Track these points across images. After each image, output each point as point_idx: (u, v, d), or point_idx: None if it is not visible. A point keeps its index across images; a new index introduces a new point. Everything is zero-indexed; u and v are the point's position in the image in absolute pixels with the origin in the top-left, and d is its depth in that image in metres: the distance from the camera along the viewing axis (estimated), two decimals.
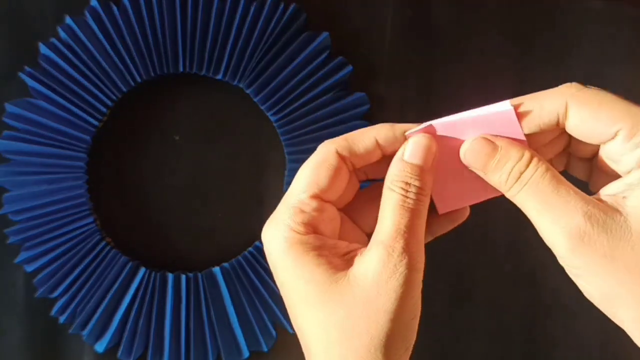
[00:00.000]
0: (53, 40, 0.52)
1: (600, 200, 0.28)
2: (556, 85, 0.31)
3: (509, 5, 0.56)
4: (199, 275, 0.54)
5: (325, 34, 0.54)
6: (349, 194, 0.32)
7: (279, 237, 0.30)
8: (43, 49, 0.52)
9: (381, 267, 0.28)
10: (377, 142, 0.31)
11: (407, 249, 0.28)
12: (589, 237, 0.27)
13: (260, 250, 0.54)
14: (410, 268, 0.28)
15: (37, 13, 0.54)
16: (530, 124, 0.30)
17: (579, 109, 0.28)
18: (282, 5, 0.53)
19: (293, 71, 0.53)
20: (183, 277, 0.53)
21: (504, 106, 0.30)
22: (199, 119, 0.55)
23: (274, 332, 0.54)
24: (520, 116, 0.30)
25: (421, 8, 0.56)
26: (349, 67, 0.54)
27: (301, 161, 0.53)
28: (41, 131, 0.52)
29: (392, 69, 0.56)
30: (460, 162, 0.31)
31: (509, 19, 0.56)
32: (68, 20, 0.52)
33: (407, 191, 0.29)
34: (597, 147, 0.30)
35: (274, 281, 0.53)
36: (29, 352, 0.54)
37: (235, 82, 0.53)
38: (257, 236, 0.55)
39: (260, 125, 0.55)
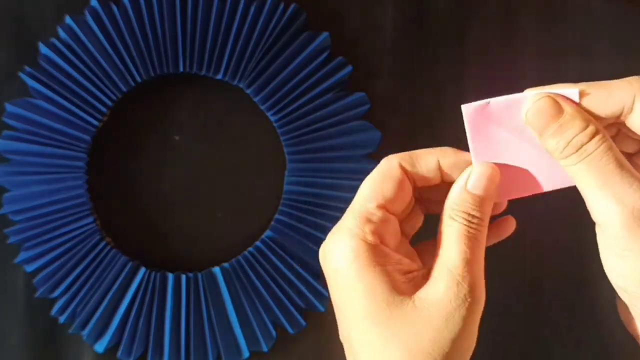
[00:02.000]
0: (53, 40, 0.52)
1: None
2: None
3: (509, 6, 0.56)
4: (199, 275, 0.54)
5: (325, 34, 0.54)
6: (407, 210, 0.33)
7: (345, 245, 0.29)
8: (43, 49, 0.52)
9: (451, 295, 0.28)
10: (439, 164, 0.31)
11: (473, 279, 0.28)
12: None
13: (260, 251, 0.54)
14: (476, 299, 0.28)
15: (37, 13, 0.54)
16: (594, 111, 0.29)
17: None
18: (282, 5, 0.53)
19: (293, 71, 0.53)
20: (183, 277, 0.53)
21: (571, 92, 0.29)
22: (199, 119, 0.55)
23: (274, 332, 0.54)
24: (585, 101, 0.29)
25: (421, 8, 0.56)
26: (349, 67, 0.54)
27: (301, 161, 0.54)
28: (41, 131, 0.52)
29: (392, 69, 0.56)
30: (519, 146, 0.30)
31: (509, 19, 0.56)
32: (68, 20, 0.52)
33: (470, 222, 0.29)
34: None
35: (274, 281, 0.54)
36: (29, 352, 0.54)
37: (235, 82, 0.54)
38: (257, 236, 0.55)
39: (260, 125, 0.55)
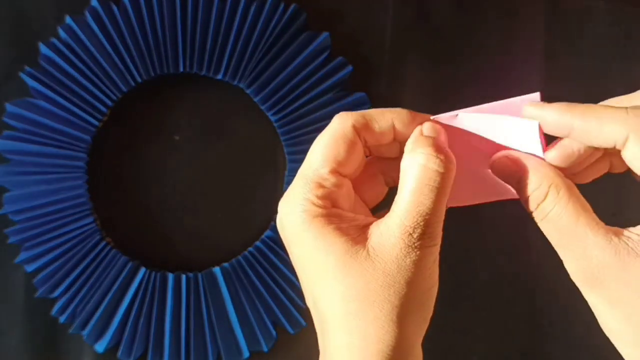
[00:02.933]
0: (53, 40, 0.52)
1: (626, 237, 0.27)
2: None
3: (509, 5, 0.56)
4: (199, 275, 0.54)
5: (325, 34, 0.54)
6: (359, 169, 0.32)
7: (298, 211, 0.29)
8: (43, 49, 0.52)
9: (400, 242, 0.28)
10: (393, 124, 0.31)
11: (427, 227, 0.28)
12: (602, 283, 0.27)
13: (260, 251, 0.54)
14: (428, 245, 0.28)
15: (37, 13, 0.53)
16: (585, 142, 0.29)
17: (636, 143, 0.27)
18: (282, 6, 0.53)
19: (293, 71, 0.53)
20: (183, 277, 0.53)
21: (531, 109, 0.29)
22: (199, 119, 0.55)
23: (274, 332, 0.54)
24: (573, 134, 0.28)
25: (421, 8, 0.56)
26: (349, 67, 0.54)
27: (301, 161, 0.53)
28: (41, 131, 0.52)
29: (392, 69, 0.56)
30: (477, 157, 0.31)
31: (509, 19, 0.56)
32: (68, 20, 0.52)
33: (436, 163, 0.28)
34: None
35: (274, 281, 0.54)
36: (29, 352, 0.54)
37: (235, 82, 0.53)
38: (257, 236, 0.55)
39: (260, 125, 0.55)
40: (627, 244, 0.27)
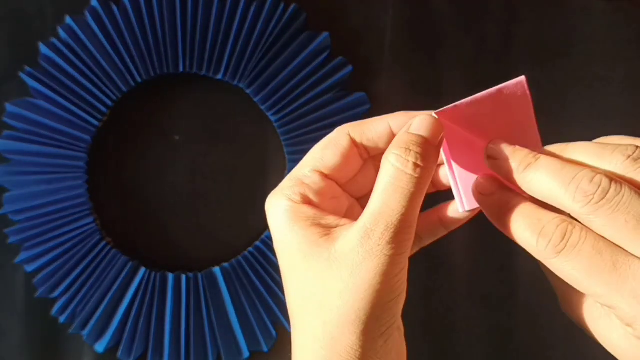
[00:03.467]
0: (53, 40, 0.52)
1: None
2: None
3: (509, 5, 0.56)
4: (199, 275, 0.54)
5: (325, 34, 0.54)
6: (353, 172, 0.32)
7: (278, 205, 0.30)
8: (43, 49, 0.52)
9: (358, 247, 0.27)
10: (390, 129, 0.31)
11: (388, 233, 0.27)
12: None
13: (260, 251, 0.54)
14: (389, 252, 0.27)
15: (37, 13, 0.54)
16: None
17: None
18: (282, 6, 0.53)
19: (293, 71, 0.53)
20: (183, 277, 0.53)
21: (519, 81, 0.30)
22: (199, 119, 0.55)
23: (274, 332, 0.54)
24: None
25: (421, 8, 0.56)
26: (349, 67, 0.54)
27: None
28: (41, 131, 0.52)
29: (392, 69, 0.56)
30: (477, 152, 0.30)
31: (509, 19, 0.56)
32: (68, 20, 0.52)
33: (405, 166, 0.27)
34: None
35: (274, 281, 0.54)
36: (29, 352, 0.54)
37: (235, 82, 0.53)
38: (257, 236, 0.55)
39: (260, 125, 0.55)
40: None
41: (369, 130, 0.31)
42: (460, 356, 0.57)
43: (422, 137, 0.28)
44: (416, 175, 0.27)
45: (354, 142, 0.31)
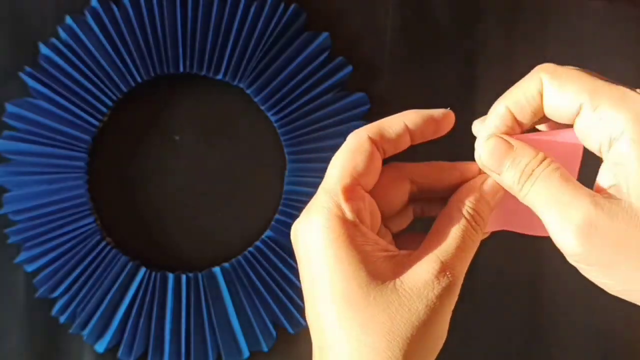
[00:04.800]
0: (53, 40, 0.52)
1: (600, 189, 0.28)
2: None
3: (509, 5, 0.56)
4: (199, 275, 0.54)
5: (325, 34, 0.54)
6: (375, 179, 0.32)
7: (322, 226, 0.28)
8: (43, 49, 0.52)
9: (435, 283, 0.28)
10: (406, 127, 0.31)
11: (460, 274, 0.29)
12: (600, 227, 0.27)
13: (260, 251, 0.54)
14: (456, 292, 0.29)
15: (37, 13, 0.54)
16: (525, 114, 0.30)
17: (550, 86, 0.29)
18: (282, 6, 0.53)
19: (293, 71, 0.53)
20: (183, 277, 0.53)
21: (574, 140, 0.30)
22: (199, 119, 0.55)
23: (274, 332, 0.54)
24: (513, 111, 0.30)
25: (421, 8, 0.56)
26: (349, 68, 0.54)
27: (301, 161, 0.54)
28: (41, 131, 0.52)
29: (392, 69, 0.56)
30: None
31: (509, 19, 0.56)
32: (68, 20, 0.52)
33: (475, 221, 0.30)
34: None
35: (274, 281, 0.54)
36: (29, 352, 0.54)
37: (235, 82, 0.53)
38: (257, 236, 0.55)
39: (260, 125, 0.55)
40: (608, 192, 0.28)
41: (387, 131, 0.31)
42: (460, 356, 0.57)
43: (489, 202, 0.31)
44: (478, 230, 0.30)
45: (375, 144, 0.30)
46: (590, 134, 0.29)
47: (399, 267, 0.29)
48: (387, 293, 0.28)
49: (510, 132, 0.31)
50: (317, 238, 0.28)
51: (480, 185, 0.31)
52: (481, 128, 0.31)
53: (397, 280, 0.28)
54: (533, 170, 0.29)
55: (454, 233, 0.29)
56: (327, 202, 0.29)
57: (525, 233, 0.32)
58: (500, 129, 0.31)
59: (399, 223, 0.34)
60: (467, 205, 0.30)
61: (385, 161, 0.32)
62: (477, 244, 0.30)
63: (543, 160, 0.29)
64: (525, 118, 0.30)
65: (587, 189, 0.28)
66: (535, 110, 0.30)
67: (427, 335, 0.28)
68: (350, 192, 0.29)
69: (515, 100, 0.30)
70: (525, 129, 0.31)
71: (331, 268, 0.28)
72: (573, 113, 0.29)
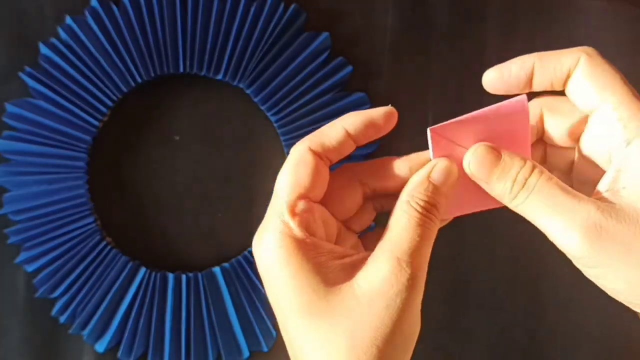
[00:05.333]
0: (53, 40, 0.52)
1: (602, 197, 0.28)
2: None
3: (509, 5, 0.56)
4: (199, 275, 0.54)
5: (325, 34, 0.54)
6: (323, 189, 0.32)
7: (273, 245, 0.29)
8: (43, 49, 0.52)
9: (393, 280, 0.28)
10: (346, 132, 0.31)
11: (419, 266, 0.28)
12: (606, 230, 0.27)
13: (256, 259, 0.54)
14: (417, 285, 0.28)
15: (37, 13, 0.54)
16: (545, 77, 0.30)
17: (584, 67, 0.30)
18: (282, 6, 0.53)
19: (293, 71, 0.53)
20: (183, 277, 0.53)
21: (519, 99, 0.30)
22: (199, 119, 0.55)
23: (274, 332, 0.54)
24: (537, 71, 0.30)
25: (421, 8, 0.56)
26: (349, 68, 0.54)
27: None
28: (41, 131, 0.52)
29: (392, 69, 0.56)
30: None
31: (509, 19, 0.56)
32: (68, 20, 0.52)
33: (427, 211, 0.29)
34: (577, 138, 0.31)
35: None
36: (29, 352, 0.54)
37: (235, 82, 0.54)
38: None
39: (260, 125, 0.55)
40: (609, 198, 0.28)
41: (327, 139, 0.31)
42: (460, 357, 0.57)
43: (441, 188, 0.30)
44: (436, 220, 0.29)
45: (317, 156, 0.30)
46: (602, 133, 0.29)
47: (357, 271, 0.29)
48: (347, 298, 0.28)
49: (515, 90, 0.30)
50: (270, 258, 0.29)
51: (428, 173, 0.30)
52: (495, 71, 0.31)
53: (355, 284, 0.28)
54: (526, 180, 0.29)
55: (406, 226, 0.29)
56: (275, 223, 0.29)
57: (479, 210, 0.32)
58: (513, 77, 0.30)
59: (361, 222, 0.34)
60: (416, 197, 0.29)
61: (334, 166, 0.32)
62: (434, 233, 0.29)
63: (533, 169, 0.29)
64: (542, 83, 0.30)
65: (586, 196, 0.28)
66: (557, 81, 0.30)
67: (395, 333, 0.28)
68: (297, 207, 0.30)
69: (545, 63, 0.30)
70: (526, 93, 0.31)
71: (288, 284, 0.28)
72: (593, 103, 0.29)
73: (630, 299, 0.28)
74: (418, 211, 0.29)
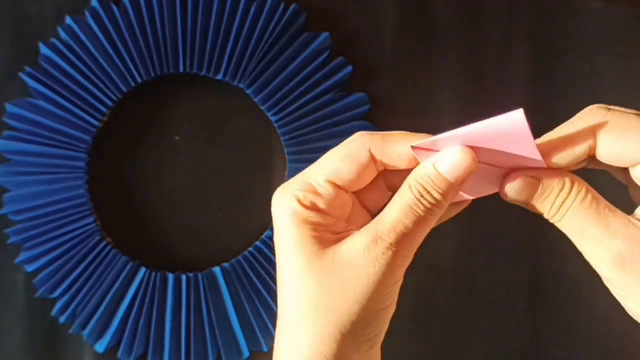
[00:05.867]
0: (53, 40, 0.52)
1: (637, 218, 0.28)
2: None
3: (509, 5, 0.56)
4: (199, 275, 0.54)
5: (325, 34, 0.54)
6: (366, 182, 0.32)
7: (286, 205, 0.30)
8: (43, 49, 0.52)
9: (364, 251, 0.28)
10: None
11: (396, 244, 0.28)
12: (631, 260, 0.27)
13: (260, 251, 0.54)
14: (389, 263, 0.28)
15: (37, 13, 0.54)
16: (565, 160, 0.29)
17: (606, 137, 0.29)
18: (282, 6, 0.53)
19: (293, 71, 0.53)
20: (183, 277, 0.53)
21: (517, 116, 0.28)
22: (199, 119, 0.55)
23: (274, 332, 0.54)
24: (553, 153, 0.29)
25: (421, 8, 0.56)
26: (349, 68, 0.54)
27: (301, 161, 0.54)
28: (41, 131, 0.52)
29: (392, 69, 0.56)
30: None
31: (509, 19, 0.56)
32: (68, 20, 0.52)
33: (422, 196, 0.29)
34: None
35: (274, 281, 0.54)
36: (29, 352, 0.54)
37: (235, 82, 0.53)
38: (257, 236, 0.55)
39: (260, 125, 0.55)
40: None
41: (391, 150, 0.30)
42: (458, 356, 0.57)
43: (448, 181, 0.29)
44: (434, 209, 0.29)
45: (373, 158, 0.30)
46: None
47: (345, 240, 0.29)
48: (324, 264, 0.29)
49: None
50: (281, 214, 0.30)
51: (435, 161, 0.29)
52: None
53: (338, 249, 0.29)
54: (564, 202, 0.29)
55: (397, 207, 0.29)
56: (297, 187, 0.30)
57: (480, 197, 0.32)
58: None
59: (373, 199, 0.33)
60: (418, 182, 0.29)
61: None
62: (429, 220, 0.29)
63: (571, 190, 0.29)
64: (577, 162, 0.30)
65: (619, 214, 0.28)
66: (582, 158, 0.29)
67: (362, 307, 0.28)
68: (320, 187, 0.30)
69: (565, 151, 0.29)
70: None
71: (287, 241, 0.30)
72: (634, 161, 0.29)
73: None
74: (415, 196, 0.29)
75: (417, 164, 0.30)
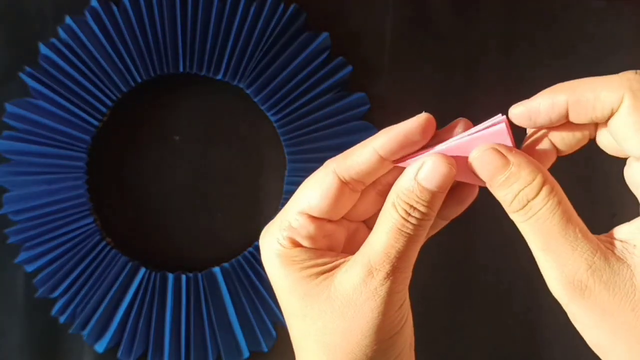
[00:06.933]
0: (53, 40, 0.52)
1: (610, 244, 0.26)
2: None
3: (509, 5, 0.56)
4: (199, 275, 0.54)
5: (325, 35, 0.54)
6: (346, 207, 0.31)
7: (270, 248, 0.30)
8: (43, 49, 0.52)
9: (361, 286, 0.27)
10: (378, 154, 0.28)
11: (392, 273, 0.27)
12: (590, 291, 0.25)
13: (260, 251, 0.54)
14: (390, 292, 0.27)
15: (37, 13, 0.54)
16: (582, 115, 0.27)
17: (630, 109, 0.25)
18: (282, 6, 0.53)
19: (293, 71, 0.53)
20: (183, 277, 0.53)
21: (497, 120, 0.27)
22: (199, 119, 0.55)
23: (274, 332, 0.54)
24: (572, 105, 0.26)
25: (421, 8, 0.56)
26: (349, 68, 0.54)
27: (301, 161, 0.54)
28: (41, 131, 0.52)
29: (392, 69, 0.56)
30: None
31: (509, 19, 0.56)
32: (68, 20, 0.52)
33: (409, 215, 0.27)
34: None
35: None
36: (29, 352, 0.54)
37: (235, 82, 0.53)
38: (257, 236, 0.55)
39: (260, 125, 0.55)
40: (614, 251, 0.26)
41: (356, 163, 0.28)
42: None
43: (430, 191, 0.27)
44: (423, 223, 0.27)
45: (341, 180, 0.29)
46: None
47: (336, 274, 0.28)
48: (322, 300, 0.28)
49: (546, 127, 0.27)
50: (266, 258, 0.30)
51: (415, 173, 0.27)
52: (521, 108, 0.27)
53: (331, 287, 0.28)
54: (529, 201, 0.26)
55: (385, 231, 0.27)
56: (276, 228, 0.29)
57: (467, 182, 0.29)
58: (542, 116, 0.27)
59: (368, 213, 0.32)
60: (400, 199, 0.27)
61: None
62: (419, 237, 0.27)
63: (541, 190, 0.26)
64: (579, 121, 0.27)
65: (588, 237, 0.26)
66: (599, 119, 0.26)
67: (372, 339, 0.27)
68: (295, 221, 0.29)
69: (580, 99, 0.27)
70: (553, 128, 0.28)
71: (280, 285, 0.29)
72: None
73: (595, 351, 0.27)
74: (401, 215, 0.27)
75: (388, 166, 0.29)
